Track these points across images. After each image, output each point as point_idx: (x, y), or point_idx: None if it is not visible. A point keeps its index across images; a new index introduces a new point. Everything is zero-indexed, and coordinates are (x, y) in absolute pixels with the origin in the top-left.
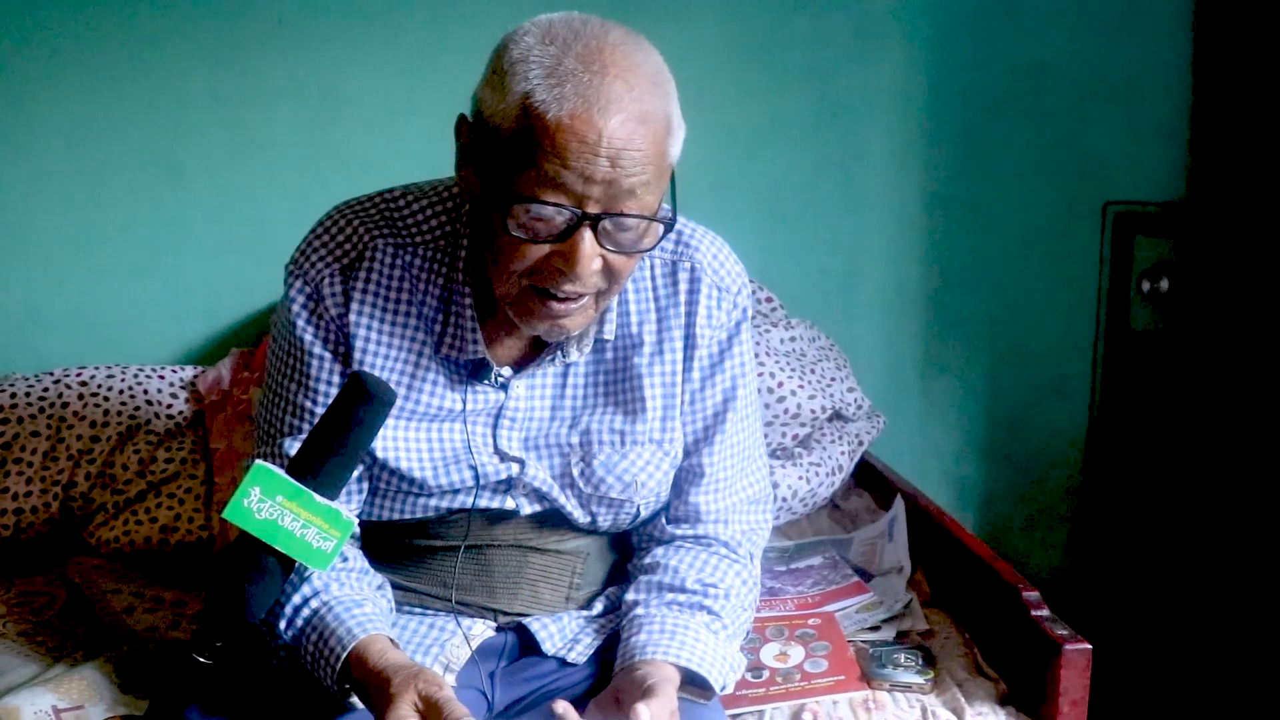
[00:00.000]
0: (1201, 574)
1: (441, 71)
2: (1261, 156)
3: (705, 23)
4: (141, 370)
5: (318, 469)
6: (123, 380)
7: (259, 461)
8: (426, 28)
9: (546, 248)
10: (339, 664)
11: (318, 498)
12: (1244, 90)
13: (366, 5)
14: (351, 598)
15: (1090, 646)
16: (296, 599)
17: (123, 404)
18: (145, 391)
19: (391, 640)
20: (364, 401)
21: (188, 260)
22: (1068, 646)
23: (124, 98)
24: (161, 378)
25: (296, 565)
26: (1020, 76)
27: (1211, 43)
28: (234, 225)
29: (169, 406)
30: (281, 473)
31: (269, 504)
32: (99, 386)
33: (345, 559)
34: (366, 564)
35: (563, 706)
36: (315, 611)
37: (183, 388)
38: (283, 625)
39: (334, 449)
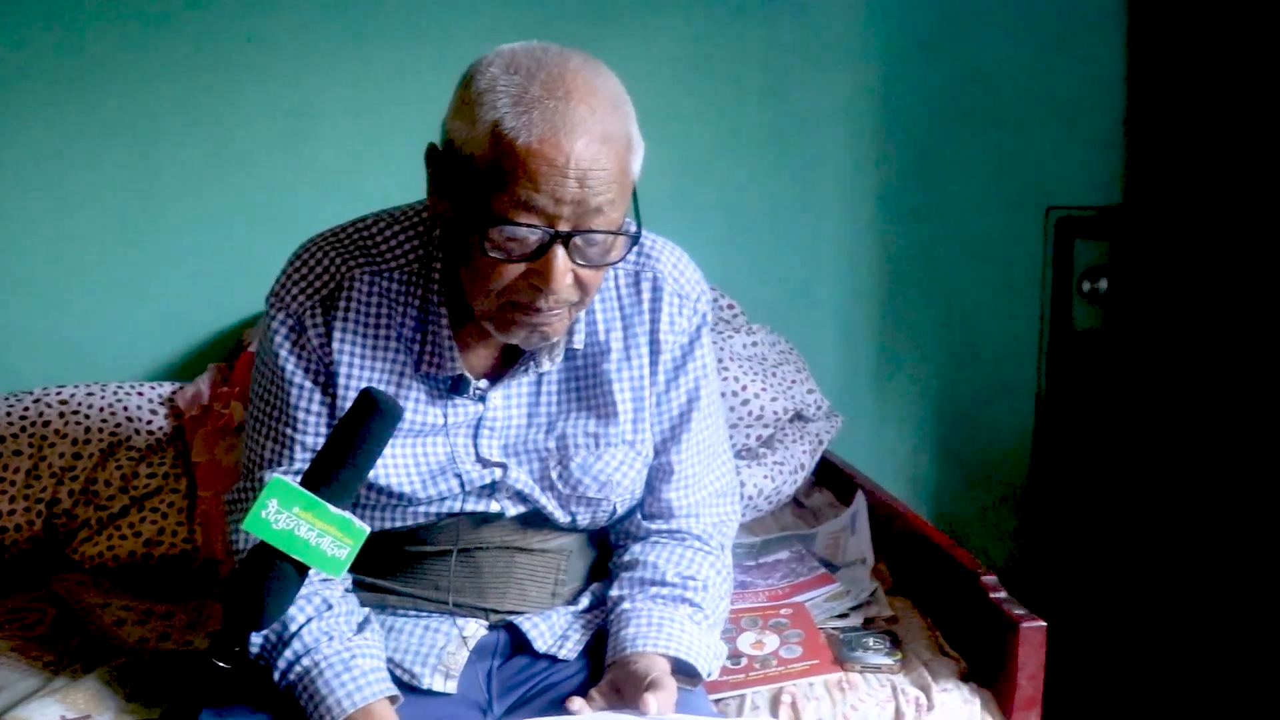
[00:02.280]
0: (1145, 557)
1: (409, 91)
2: (1193, 163)
3: (663, 39)
4: (121, 388)
5: (331, 481)
6: (102, 398)
7: (276, 474)
8: (394, 48)
9: (522, 266)
10: None
11: (332, 508)
12: (1176, 100)
13: (334, 27)
14: (340, 656)
15: (1045, 624)
16: (289, 654)
17: (103, 421)
18: (125, 408)
19: (389, 698)
20: (374, 416)
21: (162, 277)
22: (1024, 624)
23: (95, 117)
24: (141, 394)
25: (284, 620)
26: (967, 88)
27: (1145, 56)
28: (208, 242)
29: (149, 422)
30: (297, 485)
31: (286, 515)
32: (79, 404)
33: (330, 606)
34: (354, 602)
35: (579, 704)
36: (307, 670)
37: (162, 404)
38: (276, 676)
39: (346, 461)
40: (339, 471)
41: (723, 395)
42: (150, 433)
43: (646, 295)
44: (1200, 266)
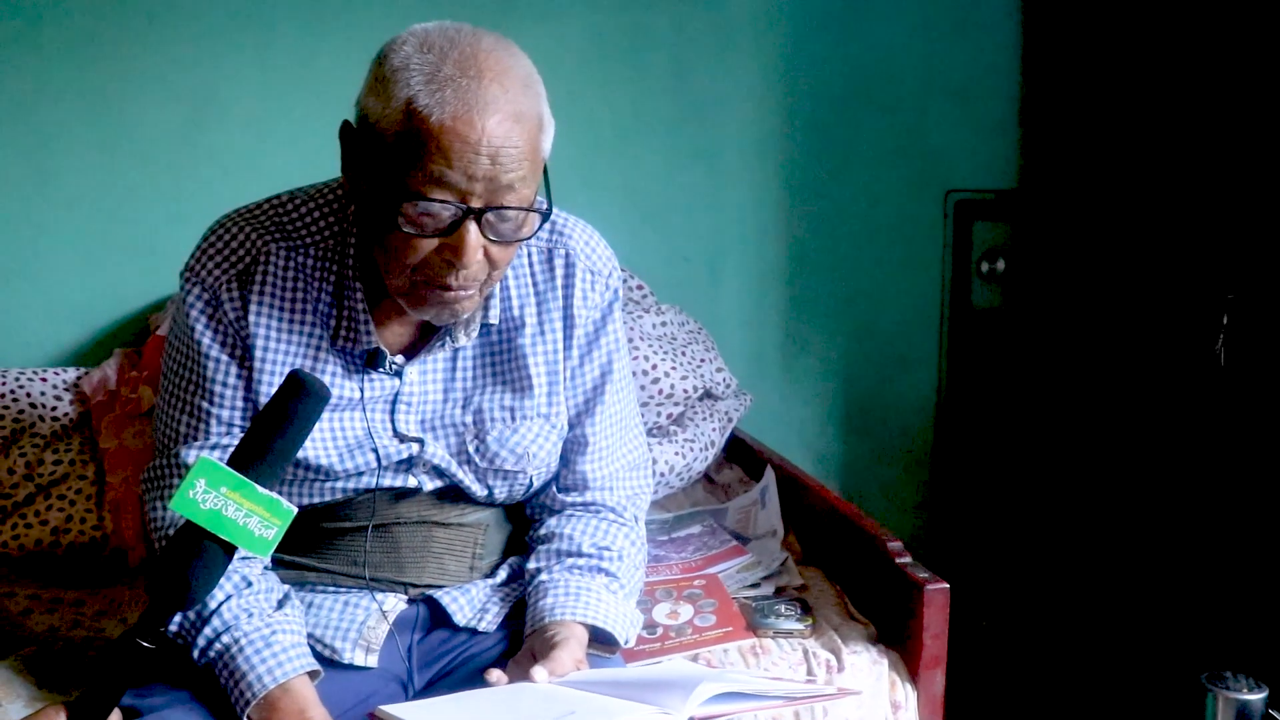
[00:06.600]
0: (1043, 525)
1: (314, 75)
2: (1086, 147)
3: (569, 24)
4: (23, 373)
5: (258, 461)
6: (3, 384)
7: (203, 454)
8: (299, 31)
9: (435, 241)
10: (249, 708)
11: (259, 488)
12: (1068, 88)
13: (238, 6)
14: (260, 633)
15: (948, 585)
16: (208, 631)
17: (5, 408)
18: (28, 395)
19: (310, 673)
20: (302, 397)
21: (60, 261)
22: (928, 586)
23: None
24: (44, 380)
25: (205, 599)
26: (866, 74)
27: (1038, 45)
28: (108, 225)
29: (53, 409)
30: (224, 465)
31: (213, 495)
32: None
33: (250, 583)
34: (273, 580)
35: (496, 675)
36: (226, 648)
37: (66, 389)
38: (195, 654)
39: (273, 442)
40: (267, 453)
41: (634, 374)
42: (55, 419)
43: (560, 272)
44: (1093, 248)
